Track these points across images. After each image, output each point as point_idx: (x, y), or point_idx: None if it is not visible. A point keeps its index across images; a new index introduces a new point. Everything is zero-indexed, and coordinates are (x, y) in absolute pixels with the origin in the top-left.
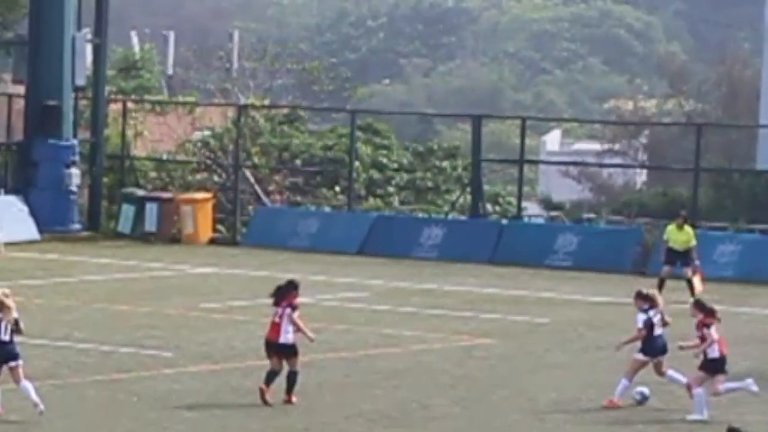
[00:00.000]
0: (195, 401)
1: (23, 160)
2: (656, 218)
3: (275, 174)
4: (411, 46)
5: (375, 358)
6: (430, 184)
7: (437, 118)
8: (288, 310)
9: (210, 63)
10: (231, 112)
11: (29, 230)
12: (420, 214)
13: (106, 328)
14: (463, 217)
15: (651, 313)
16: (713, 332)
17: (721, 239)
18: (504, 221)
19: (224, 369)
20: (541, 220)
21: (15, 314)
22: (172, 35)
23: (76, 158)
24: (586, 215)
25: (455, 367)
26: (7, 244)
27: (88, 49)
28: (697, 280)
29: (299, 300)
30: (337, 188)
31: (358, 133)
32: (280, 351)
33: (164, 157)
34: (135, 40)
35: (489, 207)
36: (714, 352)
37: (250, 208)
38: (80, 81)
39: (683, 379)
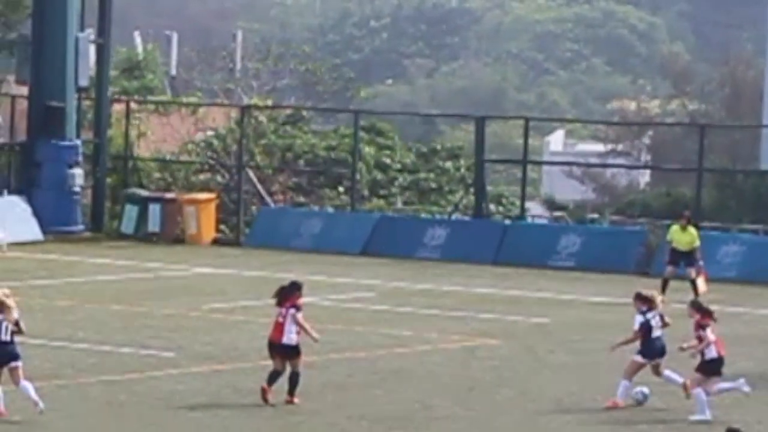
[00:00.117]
0: (198, 402)
1: (26, 160)
2: (660, 219)
3: (278, 174)
4: (414, 47)
5: (378, 358)
6: (433, 184)
7: (440, 119)
8: (292, 311)
9: (213, 63)
10: (234, 113)
11: (32, 231)
12: (423, 215)
13: (109, 329)
14: (466, 218)
15: (649, 315)
16: (709, 333)
17: (724, 240)
18: (507, 222)
19: (227, 369)
20: (544, 221)
21: (16, 315)
22: (175, 36)
23: (80, 159)
24: (589, 216)
25: (458, 368)
26: (11, 245)
27: (92, 49)
28: (701, 281)
29: (302, 300)
30: (341, 189)
31: (362, 134)
32: (282, 352)
33: (167, 157)
34: (138, 40)
35: (492, 207)
36: (711, 353)
37: (254, 208)
38: (83, 81)
39: (680, 379)
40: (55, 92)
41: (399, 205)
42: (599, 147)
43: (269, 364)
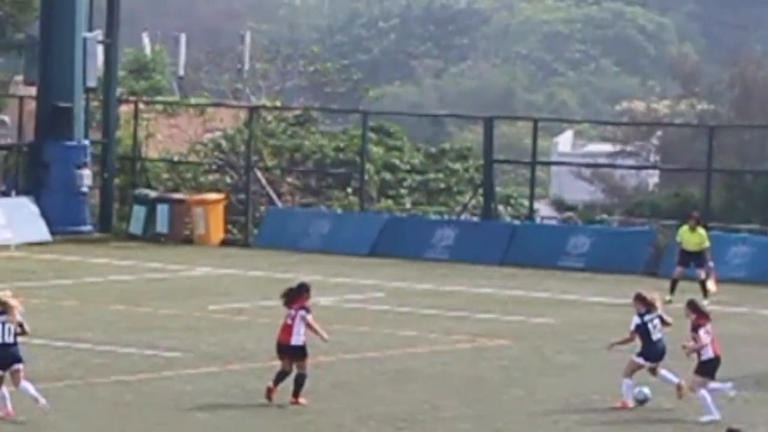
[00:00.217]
0: (206, 402)
1: (34, 161)
2: (669, 219)
3: (287, 175)
4: (423, 48)
5: (386, 358)
6: (442, 185)
7: (449, 120)
8: (302, 313)
9: (221, 64)
10: (243, 114)
11: (41, 231)
12: (432, 216)
13: (117, 329)
14: (475, 219)
15: (647, 317)
16: (703, 334)
17: (733, 241)
18: (516, 222)
19: (236, 370)
20: (553, 222)
21: (19, 315)
22: (183, 36)
23: (88, 159)
24: (598, 216)
25: (467, 369)
26: (19, 245)
27: (100, 50)
28: (711, 282)
29: (311, 301)
30: (349, 189)
31: (370, 135)
32: (291, 353)
33: (176, 158)
34: (146, 41)
35: (501, 208)
36: (708, 354)
37: (262, 209)
38: (91, 82)
39: (675, 380)
40: (63, 93)
41: (408, 206)
42: (608, 148)
43: (277, 364)
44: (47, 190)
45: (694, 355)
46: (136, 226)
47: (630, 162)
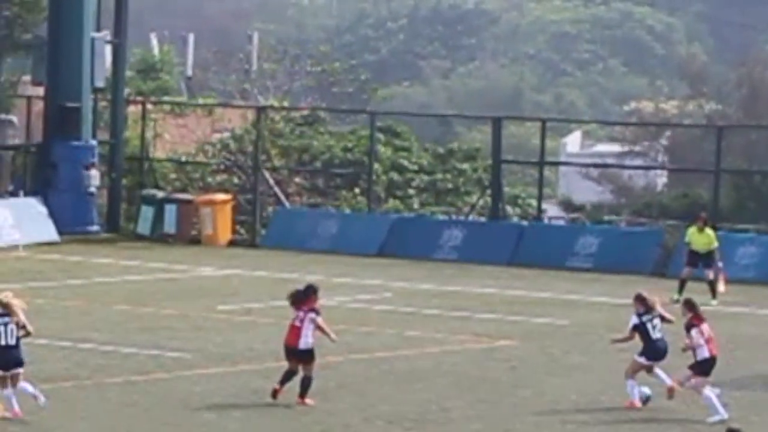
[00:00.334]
0: (214, 402)
1: (42, 161)
2: (677, 220)
3: (295, 175)
4: (431, 48)
5: (394, 359)
6: (449, 185)
7: (457, 120)
8: (311, 315)
9: (229, 64)
10: (250, 114)
11: (48, 232)
12: (440, 216)
13: (125, 330)
14: (483, 219)
15: (645, 317)
16: (694, 334)
17: (741, 241)
18: (524, 223)
19: (243, 370)
20: (561, 222)
21: (22, 316)
22: (191, 37)
23: (96, 160)
24: (606, 217)
25: (475, 369)
26: (27, 246)
27: (108, 50)
28: (720, 283)
29: (319, 303)
30: (357, 190)
31: (378, 135)
32: (298, 356)
33: (183, 158)
34: (154, 41)
35: (509, 209)
36: (704, 353)
37: (270, 209)
38: (99, 82)
39: (668, 381)
40: (71, 93)
41: (416, 206)
42: (616, 148)
43: (284, 365)
44: (55, 191)
45: (690, 352)
46: (143, 227)
47: (638, 162)
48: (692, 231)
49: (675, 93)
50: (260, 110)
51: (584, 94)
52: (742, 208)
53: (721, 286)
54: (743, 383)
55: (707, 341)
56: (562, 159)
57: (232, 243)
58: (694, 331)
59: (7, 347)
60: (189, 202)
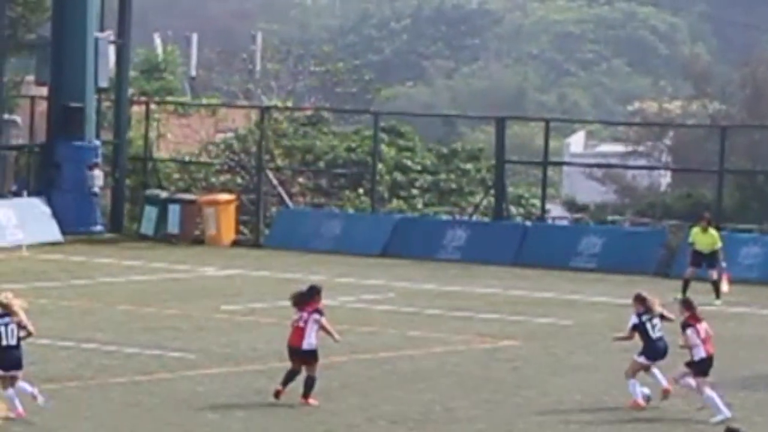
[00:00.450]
0: (217, 403)
1: (46, 161)
2: (681, 220)
3: (298, 176)
4: (434, 48)
5: (398, 359)
6: (453, 185)
7: (461, 120)
8: (316, 317)
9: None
10: (254, 114)
11: (52, 232)
12: (443, 216)
13: (128, 330)
14: (486, 219)
15: (645, 317)
16: (689, 333)
17: (745, 241)
18: (528, 223)
19: (247, 371)
20: (565, 222)
21: (23, 316)
22: (195, 37)
23: (99, 160)
24: (610, 217)
25: (479, 369)
26: (30, 246)
27: (111, 50)
28: (723, 283)
29: (322, 303)
30: (361, 190)
31: (382, 135)
32: (302, 357)
33: (187, 158)
34: (158, 41)
35: (513, 209)
36: (700, 353)
37: (273, 209)
38: (103, 82)
39: (663, 382)
40: (75, 93)
41: (419, 206)
42: (620, 148)
43: (288, 365)
44: (59, 191)
45: (688, 351)
46: (147, 227)
47: (642, 162)
48: (696, 231)
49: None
50: (264, 110)
51: (588, 94)
52: (745, 208)
53: (724, 286)
54: (746, 383)
55: (703, 341)
56: (566, 159)
57: (235, 243)
58: (689, 331)
59: (8, 348)
60: (192, 202)
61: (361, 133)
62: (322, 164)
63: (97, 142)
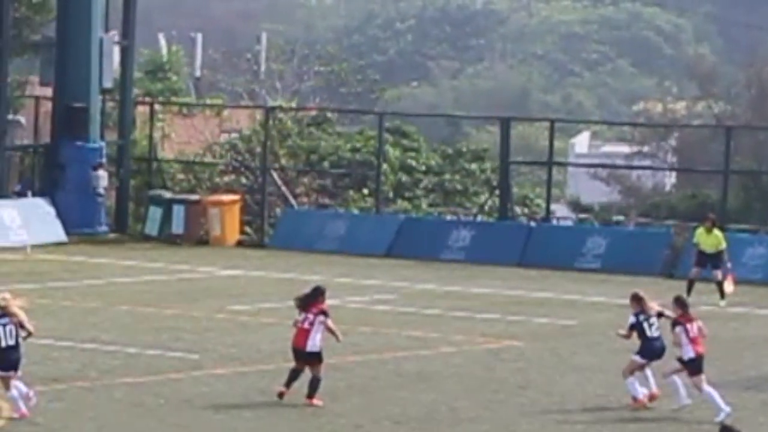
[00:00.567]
0: (222, 403)
1: (50, 162)
2: (685, 221)
3: (303, 176)
4: (439, 48)
5: (402, 360)
6: (458, 186)
7: (465, 121)
8: (321, 318)
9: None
10: (258, 114)
11: (56, 232)
12: (448, 217)
13: (133, 330)
14: (491, 220)
15: (642, 316)
16: (679, 331)
17: (750, 242)
18: (532, 224)
19: (252, 371)
20: (569, 223)
21: (22, 316)
22: (199, 37)
23: (104, 160)
24: (614, 218)
25: (483, 370)
26: (35, 246)
27: (116, 51)
28: (728, 283)
29: (327, 304)
30: (365, 190)
31: (386, 136)
32: (306, 358)
33: (191, 159)
34: (162, 42)
35: (517, 209)
36: (689, 353)
37: (278, 210)
38: (107, 83)
39: (654, 387)
40: (79, 94)
41: (424, 207)
42: (625, 149)
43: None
44: (63, 191)
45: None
46: (151, 227)
47: (647, 163)
48: (700, 232)
49: (684, 93)
50: (268, 111)
51: (593, 94)
52: (750, 208)
53: (729, 287)
54: (751, 384)
55: (692, 340)
56: (571, 159)
57: (239, 244)
58: (678, 329)
59: (8, 348)
60: (197, 202)
61: (366, 134)
62: (326, 164)
63: (102, 143)
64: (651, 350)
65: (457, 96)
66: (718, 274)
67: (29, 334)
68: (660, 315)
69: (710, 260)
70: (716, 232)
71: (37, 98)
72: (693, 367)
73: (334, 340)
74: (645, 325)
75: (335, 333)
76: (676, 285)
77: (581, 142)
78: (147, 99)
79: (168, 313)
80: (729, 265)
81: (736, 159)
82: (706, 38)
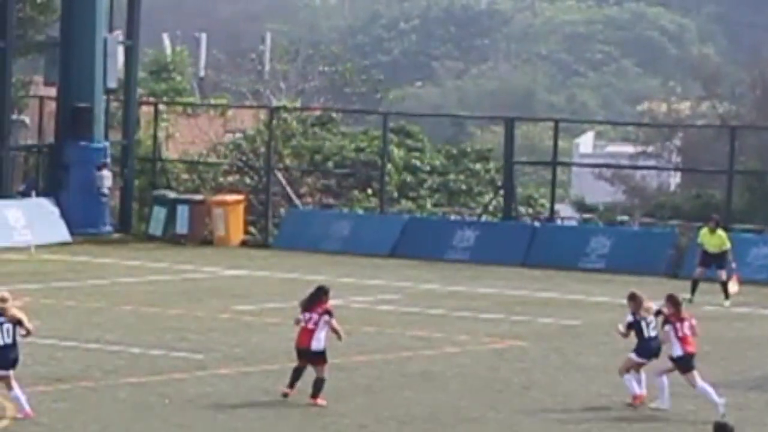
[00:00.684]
0: (226, 403)
1: (55, 162)
2: (690, 221)
3: (307, 176)
4: (443, 48)
5: (406, 360)
6: (462, 186)
7: (470, 121)
8: (326, 318)
9: (242, 65)
10: (263, 115)
11: (60, 232)
12: (452, 217)
13: (137, 331)
14: (495, 220)
15: (639, 316)
16: (668, 329)
17: (755, 242)
18: (537, 224)
19: (256, 371)
20: (574, 223)
21: (20, 314)
22: (203, 37)
23: (108, 160)
24: (619, 218)
25: (487, 370)
26: (39, 247)
27: (120, 51)
28: (733, 283)
29: (330, 304)
30: (369, 191)
31: (391, 136)
32: (310, 357)
33: (196, 159)
34: (167, 42)
35: (521, 209)
36: (677, 351)
37: (282, 210)
38: (112, 83)
39: (643, 389)
40: (84, 94)
41: (428, 207)
42: (629, 149)
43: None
44: (67, 191)
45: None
46: (155, 227)
47: (651, 163)
48: (704, 232)
49: (688, 93)
50: (272, 111)
51: (597, 94)
52: (755, 209)
53: (734, 287)
54: (756, 384)
55: (681, 339)
56: (575, 160)
57: (244, 244)
58: (667, 327)
59: (5, 347)
60: (201, 202)
61: (370, 134)
62: (330, 165)
63: (106, 143)
64: (647, 349)
65: (462, 96)
66: (723, 274)
67: (28, 332)
68: (658, 313)
69: (714, 260)
70: (720, 232)
71: (41, 98)
72: (682, 364)
73: (337, 339)
74: (642, 324)
75: (338, 332)
76: (681, 285)
77: (585, 142)
78: (151, 99)
79: (172, 313)
80: (734, 265)
81: (740, 159)
82: (710, 38)
